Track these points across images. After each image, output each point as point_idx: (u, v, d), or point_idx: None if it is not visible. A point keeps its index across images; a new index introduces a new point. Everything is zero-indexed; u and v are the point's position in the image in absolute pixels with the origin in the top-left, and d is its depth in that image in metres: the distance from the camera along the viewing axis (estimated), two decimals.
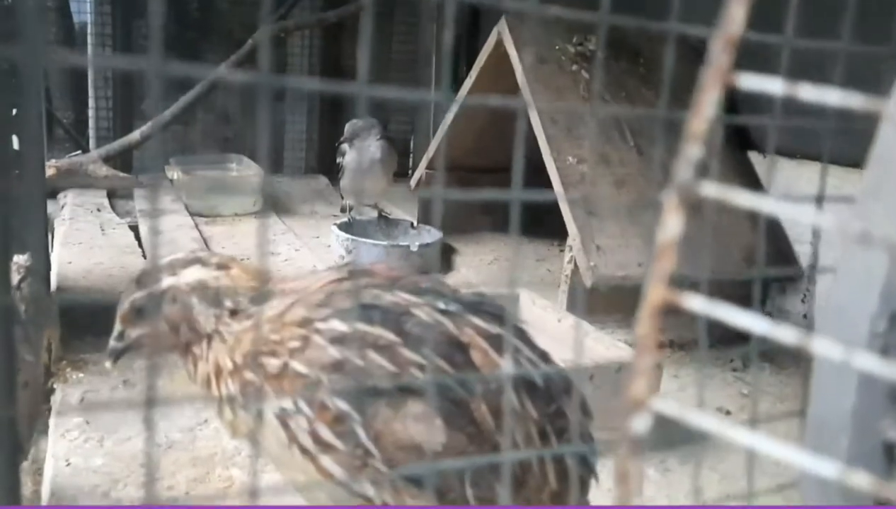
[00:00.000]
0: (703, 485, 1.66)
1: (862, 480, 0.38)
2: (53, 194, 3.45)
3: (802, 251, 2.57)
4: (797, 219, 0.37)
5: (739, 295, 1.22)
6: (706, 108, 0.39)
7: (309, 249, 3.03)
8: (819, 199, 0.60)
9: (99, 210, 3.32)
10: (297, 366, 0.99)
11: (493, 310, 1.08)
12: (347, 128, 2.99)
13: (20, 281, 1.34)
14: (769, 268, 2.49)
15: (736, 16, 0.39)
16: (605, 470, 1.10)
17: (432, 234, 3.03)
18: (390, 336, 0.99)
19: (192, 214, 3.35)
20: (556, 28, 2.73)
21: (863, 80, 0.61)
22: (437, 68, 4.37)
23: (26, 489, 1.52)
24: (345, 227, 2.98)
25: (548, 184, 2.37)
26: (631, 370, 0.41)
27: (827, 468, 0.39)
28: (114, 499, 1.46)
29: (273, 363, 1.00)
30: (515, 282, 0.64)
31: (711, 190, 0.39)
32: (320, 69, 4.54)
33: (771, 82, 0.38)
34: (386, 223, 3.20)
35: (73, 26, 4.33)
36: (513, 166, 0.47)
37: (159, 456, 1.60)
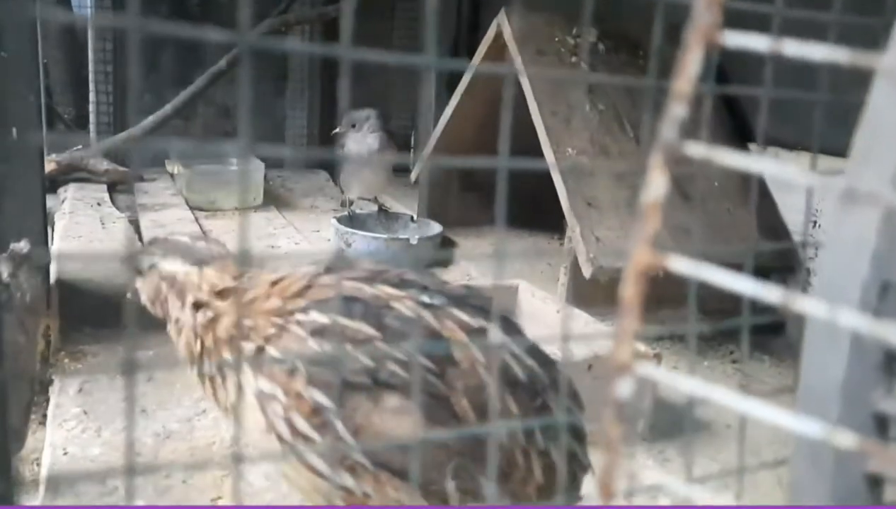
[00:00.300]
0: (700, 474, 1.65)
1: (848, 440, 0.38)
2: (54, 188, 3.45)
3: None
4: (783, 178, 0.37)
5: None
6: (690, 67, 0.39)
7: (309, 243, 3.03)
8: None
9: (99, 204, 3.32)
10: (274, 352, 1.00)
11: (479, 304, 1.08)
12: (344, 119, 2.98)
13: (16, 268, 1.33)
14: (769, 261, 2.49)
15: None
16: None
17: (432, 228, 3.02)
18: (370, 330, 0.99)
19: (192, 208, 3.35)
20: (556, 20, 2.72)
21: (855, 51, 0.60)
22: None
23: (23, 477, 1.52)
24: (345, 221, 2.97)
25: (547, 175, 2.37)
26: (617, 333, 0.41)
27: (813, 428, 0.38)
28: (111, 489, 1.46)
29: (248, 347, 1.02)
30: (503, 253, 0.63)
31: (697, 149, 0.38)
32: (320, 64, 4.54)
33: (756, 39, 0.38)
34: (386, 217, 3.20)
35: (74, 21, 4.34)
36: (500, 132, 0.46)
37: (157, 446, 1.60)
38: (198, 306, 1.08)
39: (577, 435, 1.11)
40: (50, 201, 2.79)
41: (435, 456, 0.97)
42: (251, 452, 1.15)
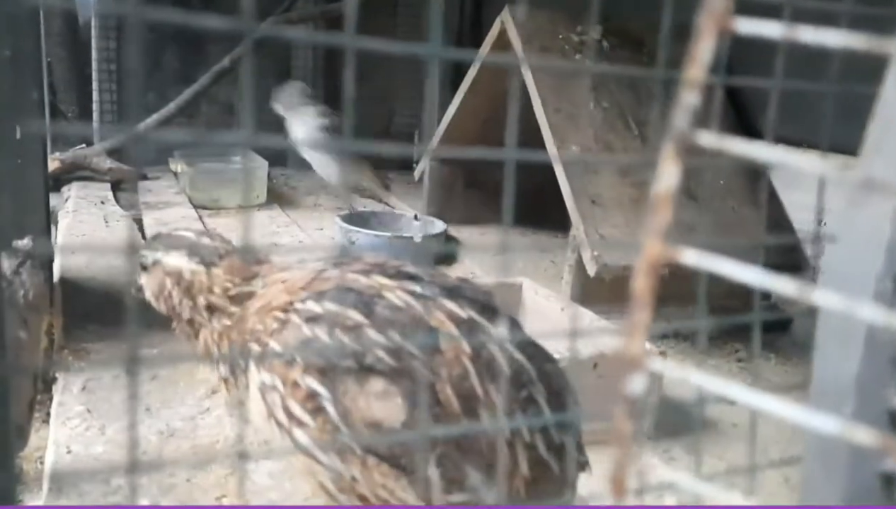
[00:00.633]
0: (708, 473, 1.64)
1: (865, 437, 0.37)
2: (57, 187, 3.45)
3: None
4: (795, 167, 0.36)
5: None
6: (702, 54, 0.38)
7: (312, 241, 3.03)
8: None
9: (103, 202, 3.32)
10: (275, 345, 1.02)
11: (472, 295, 1.08)
12: (275, 97, 2.76)
13: (19, 265, 1.33)
14: (776, 259, 2.48)
15: None
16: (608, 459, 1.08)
17: (436, 226, 3.02)
18: (358, 317, 1.01)
19: (195, 207, 3.35)
20: (560, 17, 2.71)
21: None
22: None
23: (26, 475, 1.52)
24: (348, 219, 2.97)
25: (551, 173, 2.36)
26: (628, 327, 0.40)
27: (829, 425, 0.38)
28: (114, 487, 1.46)
29: (256, 349, 1.04)
30: (508, 246, 0.64)
31: (708, 138, 0.38)
32: (323, 61, 4.53)
33: (769, 26, 0.37)
34: (390, 215, 3.20)
35: (78, 19, 4.33)
36: (507, 124, 0.46)
37: (161, 445, 1.60)
38: (211, 309, 1.09)
39: (570, 431, 1.09)
40: (53, 200, 2.79)
41: (419, 443, 0.98)
42: (255, 450, 1.16)
